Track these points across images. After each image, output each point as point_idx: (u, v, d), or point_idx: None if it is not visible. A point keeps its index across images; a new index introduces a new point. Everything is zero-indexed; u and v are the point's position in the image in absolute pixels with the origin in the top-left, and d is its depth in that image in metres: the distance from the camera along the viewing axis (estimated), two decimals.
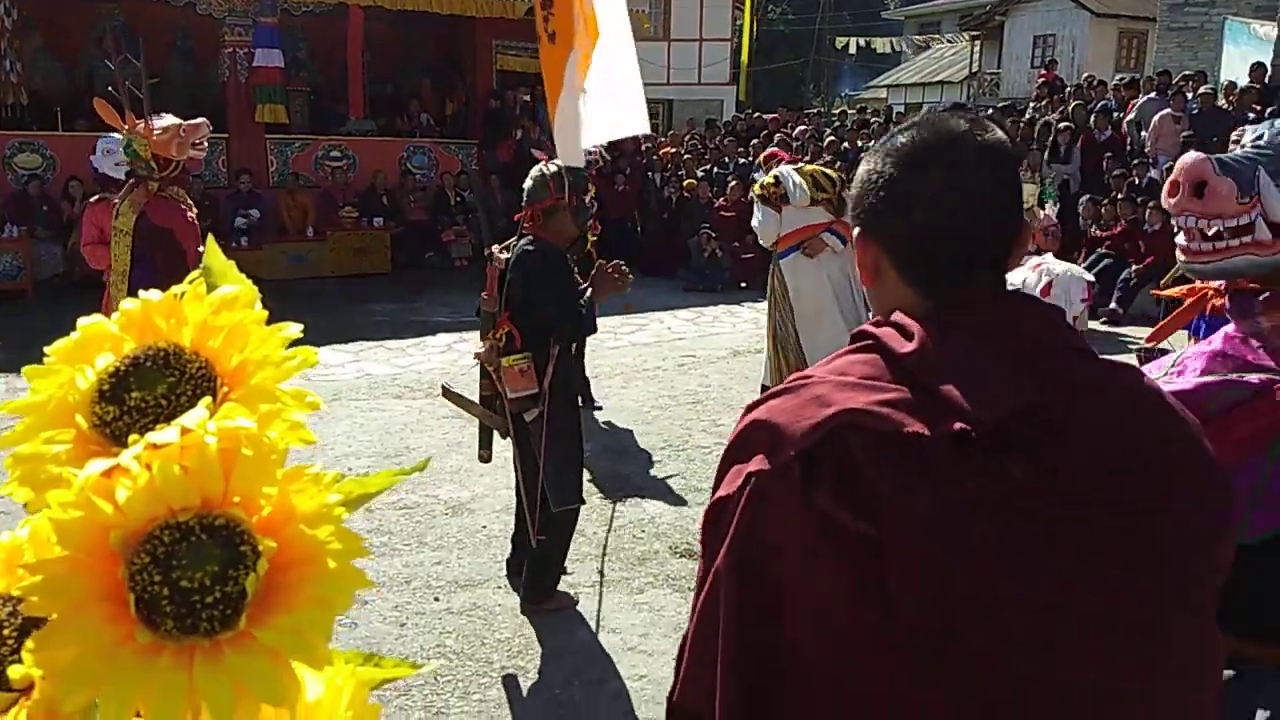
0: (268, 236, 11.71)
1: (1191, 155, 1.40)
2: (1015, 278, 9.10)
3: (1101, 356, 0.97)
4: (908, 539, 0.83)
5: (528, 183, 3.74)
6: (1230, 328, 1.44)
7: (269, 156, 12.41)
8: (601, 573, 4.20)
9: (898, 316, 0.97)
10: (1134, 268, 10.01)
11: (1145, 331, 8.99)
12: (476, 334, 3.98)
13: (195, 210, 4.95)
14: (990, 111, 14.00)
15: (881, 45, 29.34)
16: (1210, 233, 1.32)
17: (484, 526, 4.66)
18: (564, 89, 3.02)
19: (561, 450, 3.71)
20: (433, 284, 11.23)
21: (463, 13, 12.50)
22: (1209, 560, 0.89)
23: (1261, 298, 1.33)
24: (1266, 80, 12.05)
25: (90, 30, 12.48)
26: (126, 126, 4.60)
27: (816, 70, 34.05)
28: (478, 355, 3.83)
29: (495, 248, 3.86)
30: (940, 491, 0.83)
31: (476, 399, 4.00)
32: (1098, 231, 10.57)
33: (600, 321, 7.91)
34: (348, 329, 8.76)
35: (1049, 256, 9.24)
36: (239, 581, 0.48)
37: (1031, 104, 14.64)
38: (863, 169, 1.05)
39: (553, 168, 3.70)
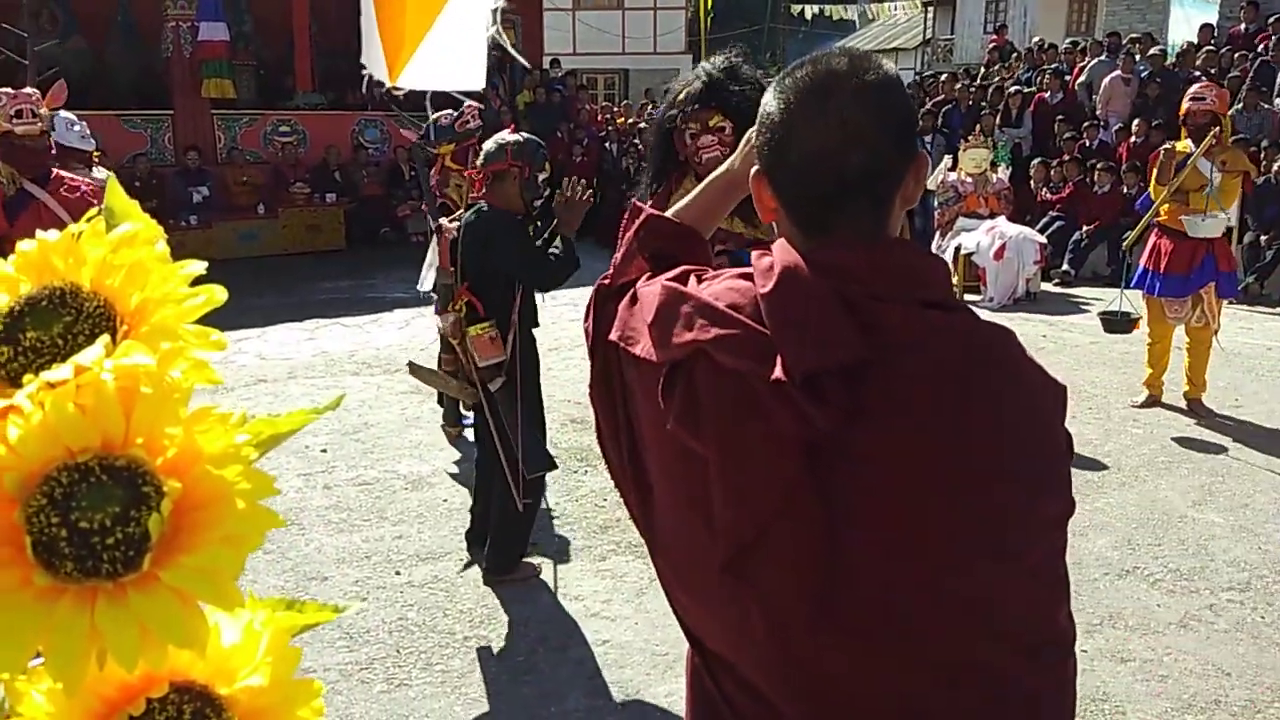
0: (217, 214, 11.50)
1: None
2: (969, 241, 9.19)
3: (953, 312, 1.00)
4: (728, 457, 0.96)
5: (489, 145, 3.74)
6: None
7: (216, 132, 12.15)
8: (564, 541, 4.20)
9: (778, 248, 1.02)
10: (1084, 229, 10.15)
11: (1097, 291, 9.16)
12: (433, 310, 3.96)
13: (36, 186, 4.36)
14: (944, 77, 14.08)
15: (836, 13, 29.28)
16: None
17: (444, 500, 4.64)
18: (445, 10, 2.91)
19: (531, 416, 3.72)
20: (389, 260, 11.09)
21: None
22: (1015, 519, 0.96)
23: None
24: (1213, 41, 12.21)
25: (23, 3, 12.10)
26: None
27: (772, 39, 33.97)
28: (442, 330, 3.81)
29: (444, 220, 3.84)
30: (758, 426, 0.95)
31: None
32: (1048, 194, 10.68)
33: (561, 293, 7.87)
34: (303, 306, 8.65)
35: (1002, 219, 9.34)
36: (142, 522, 0.46)
37: (984, 68, 14.72)
38: (760, 110, 1.08)
39: (518, 138, 3.71)
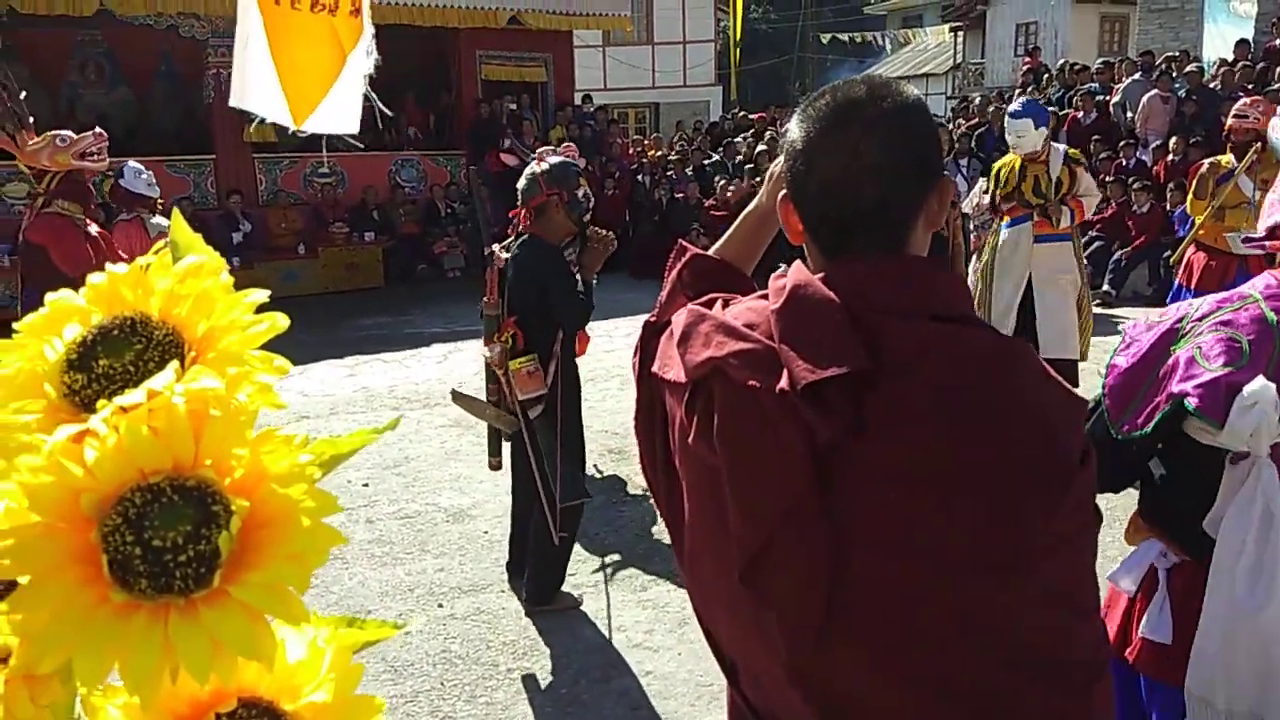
0: (259, 255, 11.72)
1: None
2: None
3: (962, 325, 1.00)
4: (736, 467, 0.99)
5: (521, 182, 3.79)
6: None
7: (258, 175, 12.42)
8: (606, 571, 4.20)
9: (793, 268, 1.06)
10: (1125, 250, 10.04)
11: (1138, 311, 9.03)
12: (472, 344, 4.01)
13: (94, 225, 4.62)
14: (976, 99, 14.06)
15: (865, 40, 29.41)
16: None
17: (485, 532, 4.65)
18: (352, 58, 3.03)
19: (570, 446, 3.74)
20: (426, 296, 11.24)
21: (445, 24, 12.52)
22: (1016, 534, 0.94)
23: None
24: (1249, 57, 12.09)
25: (71, 57, 12.49)
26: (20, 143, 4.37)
27: (801, 68, 34.13)
28: (487, 359, 3.84)
29: (496, 247, 3.89)
30: (767, 438, 0.97)
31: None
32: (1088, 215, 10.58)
33: (593, 325, 7.90)
34: (343, 344, 8.76)
35: None
36: (212, 540, 0.48)
37: (1017, 91, 14.66)
38: (785, 136, 1.11)
39: (544, 166, 3.74)
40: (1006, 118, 6.19)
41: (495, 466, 4.11)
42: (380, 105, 3.64)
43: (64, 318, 0.55)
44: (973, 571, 0.94)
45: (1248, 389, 1.47)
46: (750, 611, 1.01)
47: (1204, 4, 15.57)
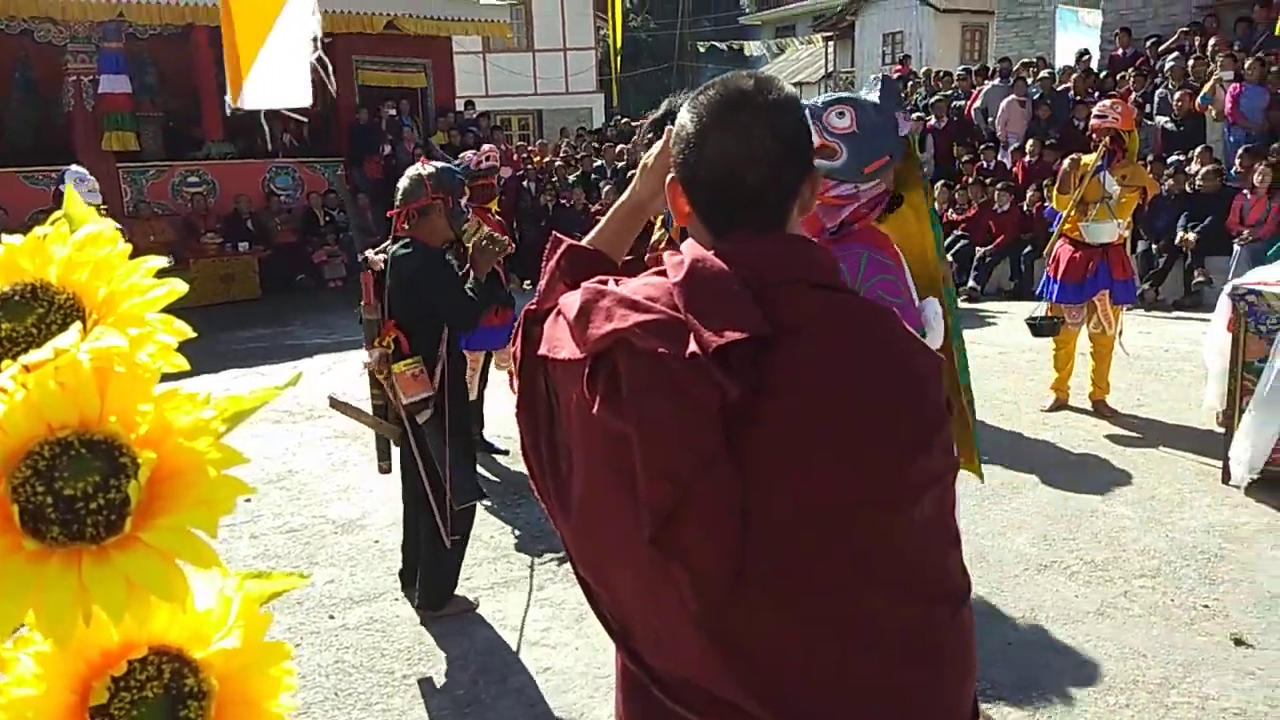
0: None
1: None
2: None
3: (840, 293, 1.13)
4: (649, 431, 1.04)
5: (403, 182, 3.71)
6: None
7: (122, 186, 11.90)
8: (501, 573, 4.19)
9: (687, 247, 1.14)
10: (988, 247, 10.56)
11: (1003, 305, 9.52)
12: (355, 354, 3.92)
13: None
14: None
15: (741, 49, 30.05)
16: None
17: (376, 541, 4.59)
18: (274, 32, 2.97)
19: (460, 448, 3.71)
20: (306, 307, 10.97)
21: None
22: (901, 473, 1.06)
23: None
24: (1091, 64, 12.92)
25: None
26: None
27: (680, 76, 34.61)
28: (367, 365, 3.75)
29: (370, 253, 3.82)
30: (675, 401, 1.03)
31: (368, 410, 3.92)
32: (953, 215, 11.09)
33: None
34: (219, 357, 8.48)
35: None
36: (122, 489, 0.50)
37: None
38: (675, 124, 1.20)
39: (429, 169, 3.69)
40: None
41: (385, 470, 4.03)
42: (331, 84, 3.49)
43: None
44: (864, 509, 1.04)
45: (928, 307, 1.93)
46: (657, 569, 1.07)
47: (1056, 15, 16.53)
